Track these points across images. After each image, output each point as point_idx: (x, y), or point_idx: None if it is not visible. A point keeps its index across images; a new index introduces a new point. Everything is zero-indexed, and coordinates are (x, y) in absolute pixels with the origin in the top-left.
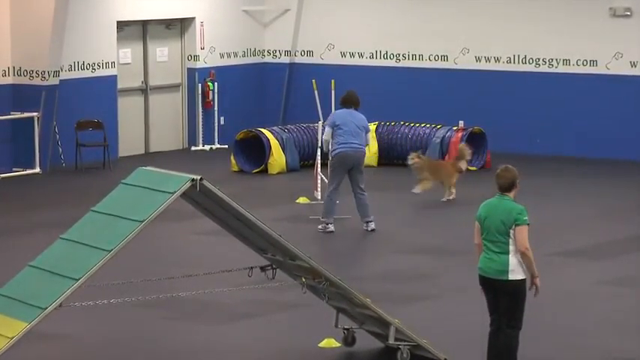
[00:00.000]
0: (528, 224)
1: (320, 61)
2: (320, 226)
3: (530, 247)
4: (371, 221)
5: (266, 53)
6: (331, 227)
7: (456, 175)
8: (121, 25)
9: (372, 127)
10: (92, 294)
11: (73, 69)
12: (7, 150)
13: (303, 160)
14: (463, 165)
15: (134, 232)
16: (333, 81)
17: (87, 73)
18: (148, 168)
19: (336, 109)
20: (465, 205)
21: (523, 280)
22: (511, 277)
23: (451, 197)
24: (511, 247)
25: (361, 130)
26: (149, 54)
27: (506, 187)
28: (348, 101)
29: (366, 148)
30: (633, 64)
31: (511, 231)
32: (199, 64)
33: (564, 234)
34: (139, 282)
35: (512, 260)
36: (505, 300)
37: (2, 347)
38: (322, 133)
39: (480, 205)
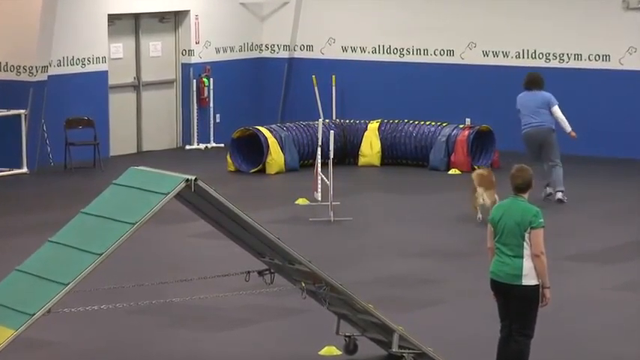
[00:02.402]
0: (544, 227)
1: (320, 56)
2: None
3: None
4: (559, 191)
5: (264, 48)
6: (548, 190)
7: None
8: (112, 19)
9: (375, 125)
10: (82, 299)
11: (62, 64)
12: None
13: (303, 159)
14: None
15: (126, 235)
16: (334, 77)
17: (77, 69)
18: (141, 168)
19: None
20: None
21: (537, 286)
22: (524, 282)
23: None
24: (525, 251)
25: (542, 108)
26: (142, 49)
27: (523, 187)
28: (528, 83)
29: (555, 120)
30: None
31: (526, 234)
32: (194, 60)
33: (575, 237)
34: (131, 287)
35: (527, 264)
36: (517, 306)
37: None
38: (320, 133)
39: (492, 208)
